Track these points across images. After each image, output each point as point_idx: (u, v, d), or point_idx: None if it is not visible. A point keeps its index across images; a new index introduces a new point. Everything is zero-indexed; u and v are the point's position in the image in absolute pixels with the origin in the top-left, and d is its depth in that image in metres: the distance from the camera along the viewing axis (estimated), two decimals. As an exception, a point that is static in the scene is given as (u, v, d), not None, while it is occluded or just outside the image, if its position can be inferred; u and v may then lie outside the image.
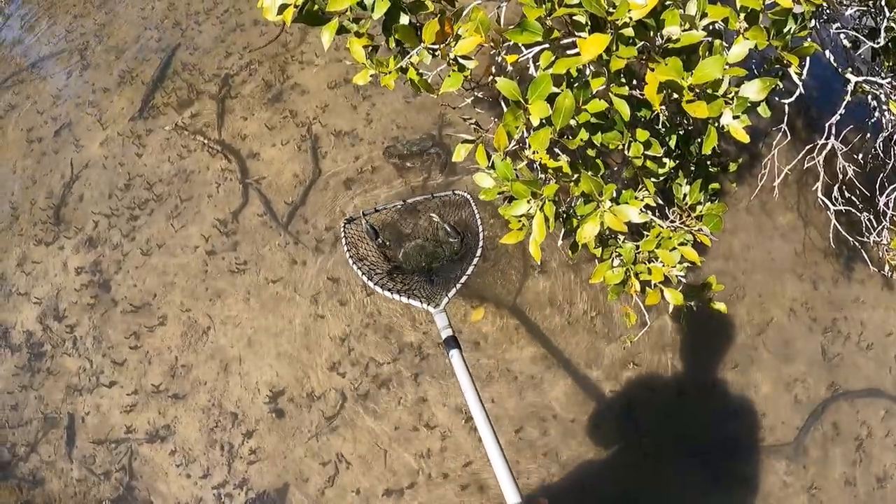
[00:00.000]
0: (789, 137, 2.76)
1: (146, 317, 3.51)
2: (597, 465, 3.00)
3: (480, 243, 2.50)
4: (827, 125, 2.63)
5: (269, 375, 3.26)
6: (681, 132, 2.34)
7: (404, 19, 1.64)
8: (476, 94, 2.13)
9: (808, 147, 2.84)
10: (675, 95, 1.56)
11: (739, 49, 1.59)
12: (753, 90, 1.60)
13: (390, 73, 1.71)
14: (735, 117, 1.61)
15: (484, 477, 2.97)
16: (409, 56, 1.68)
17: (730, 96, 1.59)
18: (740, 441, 3.09)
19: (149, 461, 3.20)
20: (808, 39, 1.83)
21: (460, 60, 1.65)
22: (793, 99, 2.29)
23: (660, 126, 2.25)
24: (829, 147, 2.68)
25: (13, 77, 4.77)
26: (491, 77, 1.91)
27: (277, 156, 3.86)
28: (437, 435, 3.06)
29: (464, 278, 2.32)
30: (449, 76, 1.67)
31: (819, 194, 2.84)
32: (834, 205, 2.89)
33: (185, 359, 3.37)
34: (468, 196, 2.67)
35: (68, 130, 4.29)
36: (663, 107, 1.72)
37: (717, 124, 1.73)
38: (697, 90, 1.54)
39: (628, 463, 3.01)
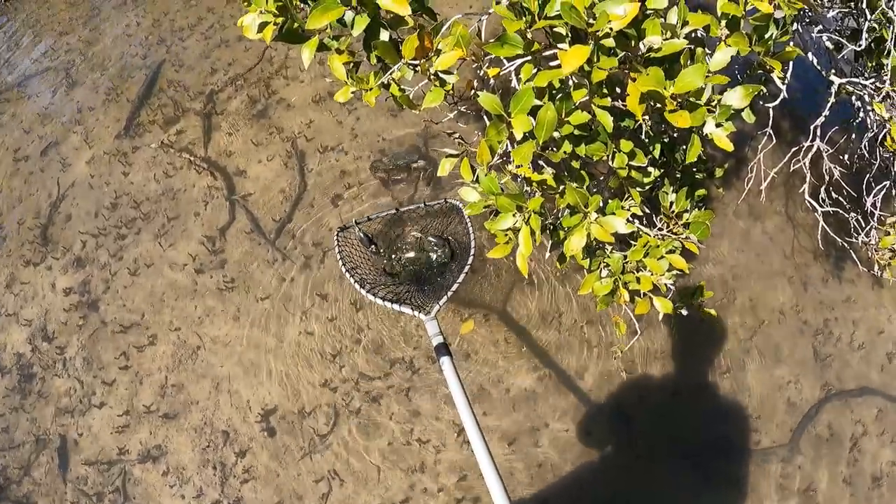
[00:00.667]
0: (775, 140, 2.77)
1: (136, 336, 3.48)
2: (589, 469, 2.98)
3: (472, 251, 2.50)
4: (812, 127, 2.63)
5: (260, 394, 3.24)
6: (665, 140, 2.33)
7: (384, 35, 1.64)
8: (459, 108, 2.13)
9: (793, 150, 2.84)
10: (658, 105, 1.55)
11: (721, 56, 1.59)
12: (737, 97, 1.61)
13: (371, 89, 1.70)
14: (718, 125, 1.61)
15: (479, 490, 2.95)
16: (390, 72, 1.68)
17: (713, 104, 1.59)
18: (734, 443, 3.08)
19: (142, 482, 3.17)
20: (791, 44, 1.83)
21: (441, 75, 1.64)
22: (777, 103, 2.29)
23: (643, 135, 2.24)
24: (814, 149, 2.68)
25: (-2, 96, 4.76)
26: (473, 91, 1.91)
27: (264, 172, 3.85)
28: (431, 449, 3.04)
29: (455, 286, 2.32)
30: (431, 91, 1.67)
31: (806, 196, 2.84)
32: (821, 206, 2.89)
33: (175, 378, 3.34)
34: (459, 204, 2.67)
35: (54, 149, 4.27)
36: (646, 117, 1.72)
37: (700, 133, 1.73)
38: (680, 99, 1.54)
39: (620, 465, 3.00)
